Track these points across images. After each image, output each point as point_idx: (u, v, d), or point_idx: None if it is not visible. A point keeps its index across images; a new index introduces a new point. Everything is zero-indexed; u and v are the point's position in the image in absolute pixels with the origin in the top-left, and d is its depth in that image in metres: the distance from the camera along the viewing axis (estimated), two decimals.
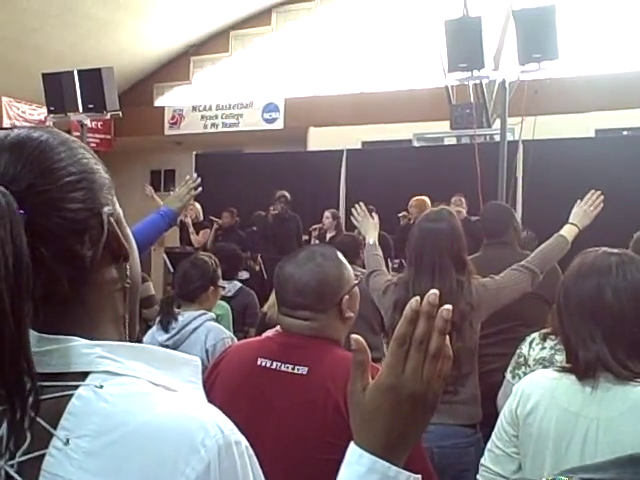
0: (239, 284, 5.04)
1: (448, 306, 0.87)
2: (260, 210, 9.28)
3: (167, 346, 3.36)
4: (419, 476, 0.89)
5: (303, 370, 1.86)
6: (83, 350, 0.84)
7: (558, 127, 10.26)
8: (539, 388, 1.83)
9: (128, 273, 0.92)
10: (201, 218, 9.29)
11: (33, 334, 0.84)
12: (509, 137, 7.89)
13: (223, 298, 4.52)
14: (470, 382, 2.97)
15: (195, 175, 3.21)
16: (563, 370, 1.81)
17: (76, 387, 0.82)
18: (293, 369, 1.87)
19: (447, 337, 0.88)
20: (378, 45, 13.94)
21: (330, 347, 1.92)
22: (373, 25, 13.99)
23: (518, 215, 9.15)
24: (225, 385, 1.98)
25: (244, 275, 7.41)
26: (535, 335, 2.51)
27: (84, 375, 0.83)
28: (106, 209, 0.89)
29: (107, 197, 0.91)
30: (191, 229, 8.95)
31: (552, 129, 9.68)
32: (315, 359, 1.88)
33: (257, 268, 8.55)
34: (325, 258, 1.97)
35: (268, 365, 1.91)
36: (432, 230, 3.02)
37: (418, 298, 0.87)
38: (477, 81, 7.78)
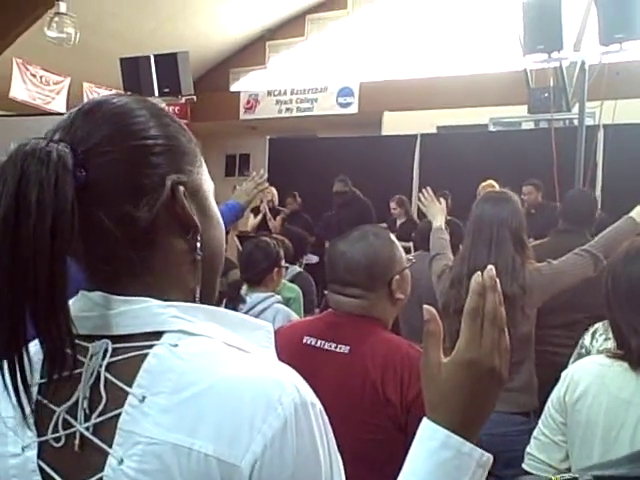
0: (298, 269, 5.05)
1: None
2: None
3: None
4: (491, 456, 0.87)
5: (345, 349, 1.87)
6: (157, 310, 0.84)
7: None
8: (588, 374, 1.77)
9: (199, 245, 0.89)
10: (277, 203, 9.34)
11: (107, 297, 0.86)
12: (589, 121, 7.65)
13: None
14: (524, 369, 2.91)
15: (262, 171, 3.26)
16: (614, 356, 1.74)
17: (151, 346, 0.82)
18: (336, 347, 1.89)
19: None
20: (454, 28, 13.69)
21: (375, 328, 1.92)
22: (449, 8, 13.74)
23: (598, 201, 8.92)
24: None
25: (313, 259, 7.42)
26: (598, 325, 2.42)
27: (159, 335, 0.83)
28: (173, 176, 0.88)
29: (183, 166, 0.90)
30: (269, 215, 9.00)
31: (634, 113, 9.33)
32: (358, 338, 1.88)
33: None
34: (377, 237, 1.98)
35: (313, 343, 1.93)
36: (493, 205, 2.99)
37: (479, 272, 0.88)
38: (556, 63, 7.54)
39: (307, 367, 1.88)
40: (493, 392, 0.87)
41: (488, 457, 0.86)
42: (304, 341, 1.95)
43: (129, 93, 0.97)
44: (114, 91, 13.61)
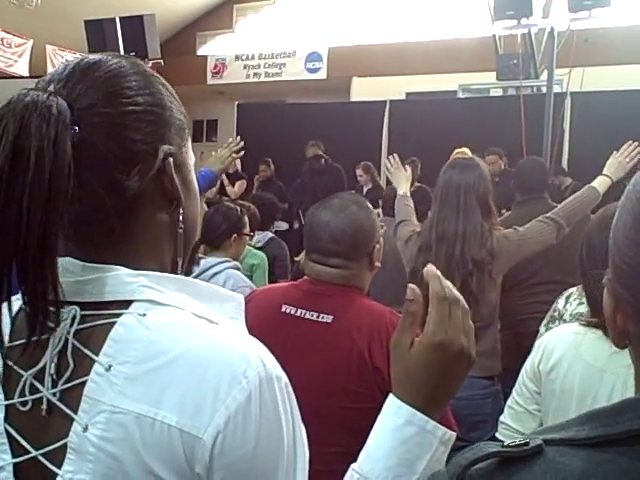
0: (270, 234, 5.02)
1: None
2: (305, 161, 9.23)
3: None
4: (454, 433, 0.89)
5: (328, 318, 1.86)
6: (127, 279, 0.83)
7: (608, 79, 9.95)
8: (563, 343, 1.77)
9: (181, 218, 0.90)
10: (238, 168, 9.22)
11: (77, 263, 0.85)
12: (557, 89, 7.69)
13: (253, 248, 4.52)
14: (489, 334, 2.95)
15: (238, 138, 3.22)
16: (589, 324, 1.74)
17: (119, 315, 0.82)
18: (318, 317, 1.88)
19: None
20: None
21: (355, 296, 1.91)
22: None
23: (564, 168, 9.04)
24: (249, 329, 1.99)
25: (283, 226, 7.41)
26: (573, 290, 2.44)
27: (127, 303, 0.82)
28: (165, 147, 0.87)
29: (173, 137, 0.90)
30: (226, 181, 8.88)
31: (602, 81, 9.40)
32: (340, 308, 1.87)
33: (296, 225, 8.45)
34: (359, 206, 1.97)
35: (292, 312, 1.91)
36: (460, 172, 3.01)
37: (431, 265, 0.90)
38: (525, 30, 7.55)
39: (287, 336, 1.89)
40: (460, 372, 0.89)
41: (451, 434, 0.88)
42: (283, 310, 1.93)
43: (126, 55, 0.94)
44: (78, 54, 13.33)
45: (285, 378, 0.84)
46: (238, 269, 3.53)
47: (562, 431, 0.72)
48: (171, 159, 0.88)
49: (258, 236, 4.82)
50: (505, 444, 0.72)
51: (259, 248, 4.68)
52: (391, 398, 0.90)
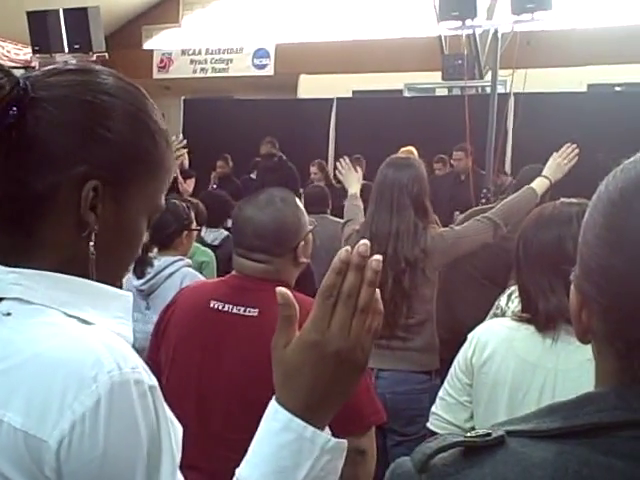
0: (226, 232, 4.99)
1: (378, 256, 0.80)
2: (254, 157, 9.19)
3: (142, 290, 3.35)
4: (343, 441, 0.84)
5: (254, 312, 1.88)
6: None
7: (550, 80, 10.16)
8: (496, 337, 1.81)
9: (92, 245, 0.87)
10: (187, 166, 9.13)
11: None
12: (500, 89, 7.83)
13: (208, 247, 4.50)
14: (426, 330, 3.01)
15: (181, 137, 3.19)
16: (521, 320, 1.79)
17: None
18: (244, 311, 1.90)
19: (378, 290, 0.81)
20: None
21: None
22: None
23: (507, 168, 9.23)
24: (179, 326, 2.01)
25: (230, 223, 7.38)
26: (514, 287, 2.50)
27: None
28: (87, 169, 0.85)
29: (124, 171, 0.88)
30: (180, 178, 8.79)
31: (544, 82, 9.59)
32: (266, 301, 1.90)
33: None
34: (285, 203, 1.98)
35: (220, 307, 1.93)
36: (395, 171, 3.07)
37: (349, 248, 0.80)
38: (469, 31, 7.67)
39: (216, 332, 1.91)
40: (343, 375, 0.82)
41: (336, 443, 0.83)
42: (211, 305, 1.95)
43: (132, 83, 0.94)
44: (19, 46, 13.00)
45: (150, 382, 0.81)
46: (191, 266, 3.53)
47: (523, 423, 0.73)
48: (95, 182, 0.86)
49: (214, 234, 4.79)
50: (468, 435, 0.73)
51: (215, 246, 4.66)
52: (272, 401, 0.86)
